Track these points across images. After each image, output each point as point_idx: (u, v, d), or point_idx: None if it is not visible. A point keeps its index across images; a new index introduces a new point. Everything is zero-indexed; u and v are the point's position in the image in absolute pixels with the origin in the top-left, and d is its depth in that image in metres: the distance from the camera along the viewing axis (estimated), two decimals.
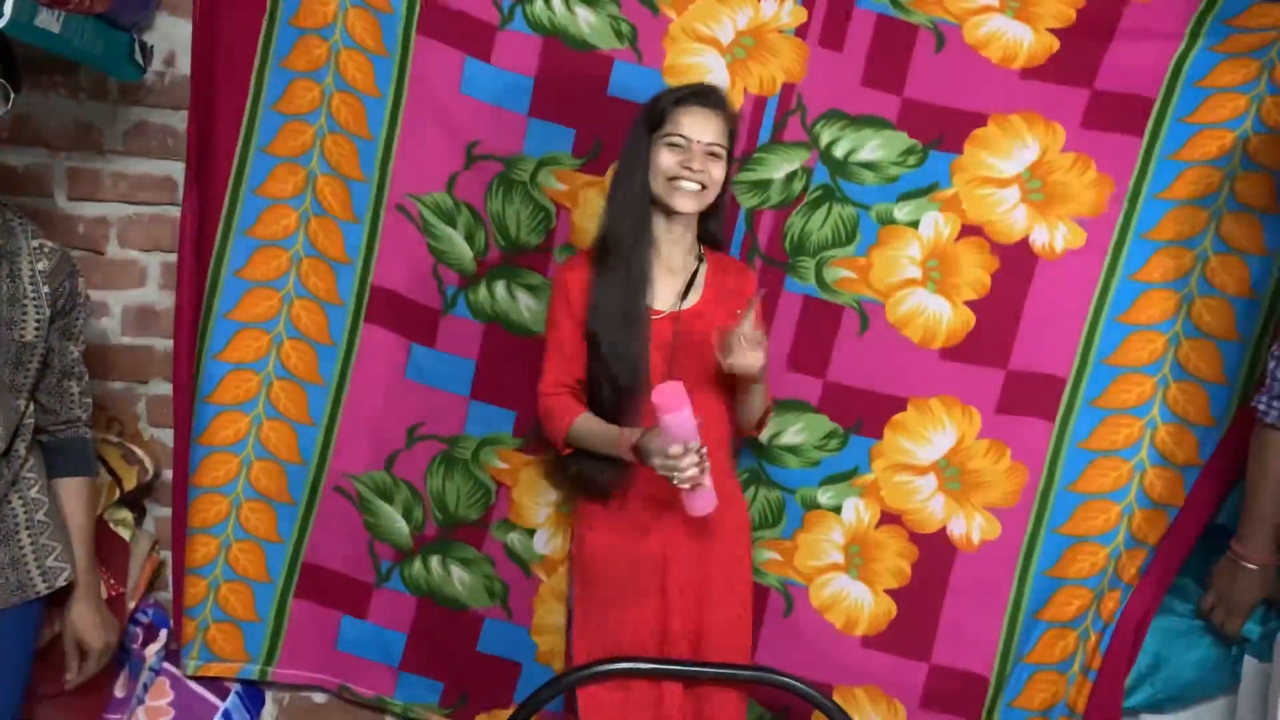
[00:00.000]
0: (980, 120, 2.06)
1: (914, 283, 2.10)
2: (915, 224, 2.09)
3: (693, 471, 1.69)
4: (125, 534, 2.12)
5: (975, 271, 2.08)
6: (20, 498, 1.71)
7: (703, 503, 1.75)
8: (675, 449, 1.68)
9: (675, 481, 1.70)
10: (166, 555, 2.28)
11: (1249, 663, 1.99)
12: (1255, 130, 2.00)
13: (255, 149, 2.11)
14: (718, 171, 1.84)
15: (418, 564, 2.21)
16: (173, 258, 2.20)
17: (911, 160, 2.08)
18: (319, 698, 2.36)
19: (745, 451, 2.14)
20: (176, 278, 2.15)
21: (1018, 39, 2.05)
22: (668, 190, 1.83)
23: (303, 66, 2.09)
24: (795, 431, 2.13)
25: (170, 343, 2.22)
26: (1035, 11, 2.04)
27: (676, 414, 1.65)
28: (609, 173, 2.08)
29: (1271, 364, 1.82)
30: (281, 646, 2.24)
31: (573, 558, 2.01)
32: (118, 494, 2.10)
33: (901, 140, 2.07)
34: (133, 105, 2.20)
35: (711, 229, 1.95)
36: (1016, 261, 2.07)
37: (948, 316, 2.09)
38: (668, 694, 1.85)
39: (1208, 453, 2.05)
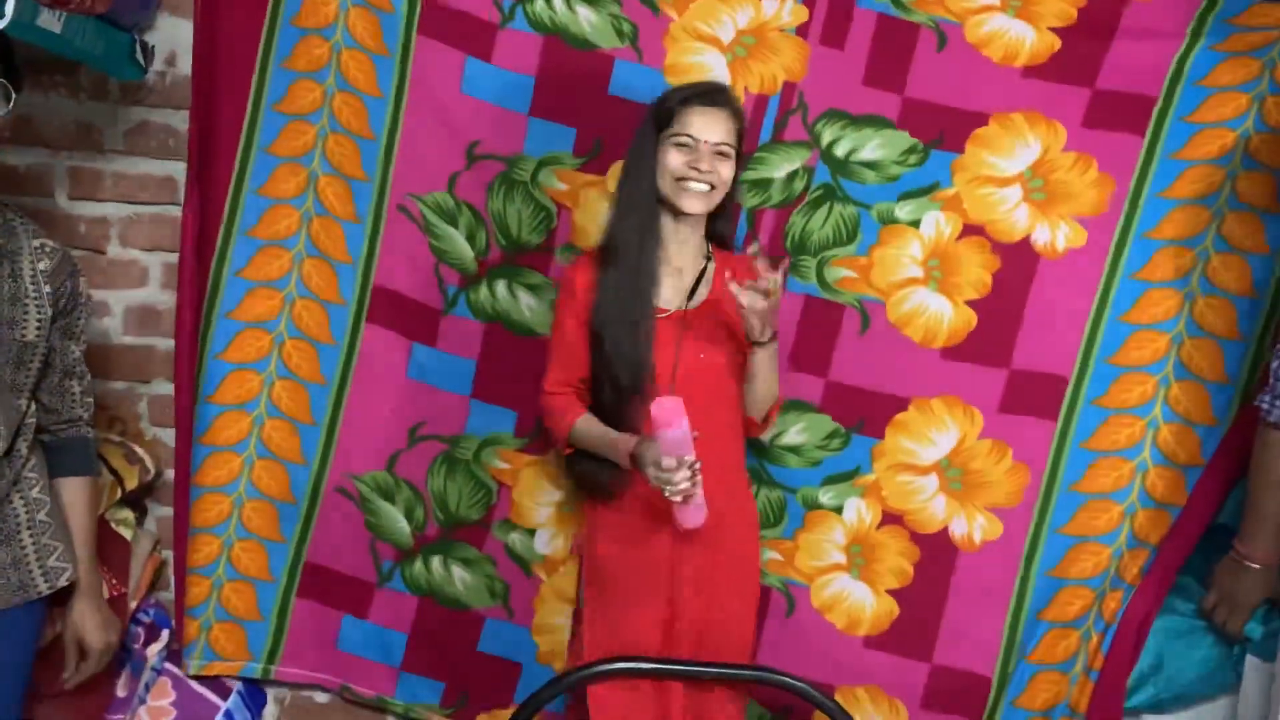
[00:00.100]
0: (981, 119, 2.06)
1: (915, 282, 2.10)
2: (916, 223, 2.09)
3: (685, 485, 1.70)
4: (127, 534, 2.12)
5: (977, 271, 2.08)
6: (22, 497, 1.72)
7: (693, 515, 1.77)
8: (669, 462, 1.69)
9: (667, 493, 1.72)
10: (168, 555, 2.28)
11: (1251, 662, 1.99)
12: (1257, 129, 1.99)
13: (257, 149, 2.12)
14: (726, 171, 1.84)
15: (419, 564, 2.21)
16: (174, 258, 2.20)
17: (913, 159, 2.07)
18: (320, 698, 2.36)
19: (746, 451, 2.14)
20: (178, 278, 2.15)
21: (1019, 38, 2.04)
22: (675, 191, 1.82)
23: (304, 67, 2.09)
24: (797, 431, 2.13)
25: (172, 342, 2.22)
26: (1037, 10, 2.03)
27: (673, 429, 1.66)
28: (610, 172, 2.08)
29: (1274, 363, 1.81)
30: (284, 645, 2.25)
31: (581, 558, 2.01)
32: (119, 494, 2.11)
33: (903, 139, 2.07)
34: (134, 105, 2.20)
35: (720, 228, 1.94)
36: (1018, 261, 2.07)
37: (949, 316, 2.09)
38: (673, 693, 1.86)
39: (1210, 452, 2.05)
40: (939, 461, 2.11)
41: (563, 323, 1.91)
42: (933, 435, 2.11)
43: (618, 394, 1.85)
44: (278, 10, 2.07)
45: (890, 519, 2.13)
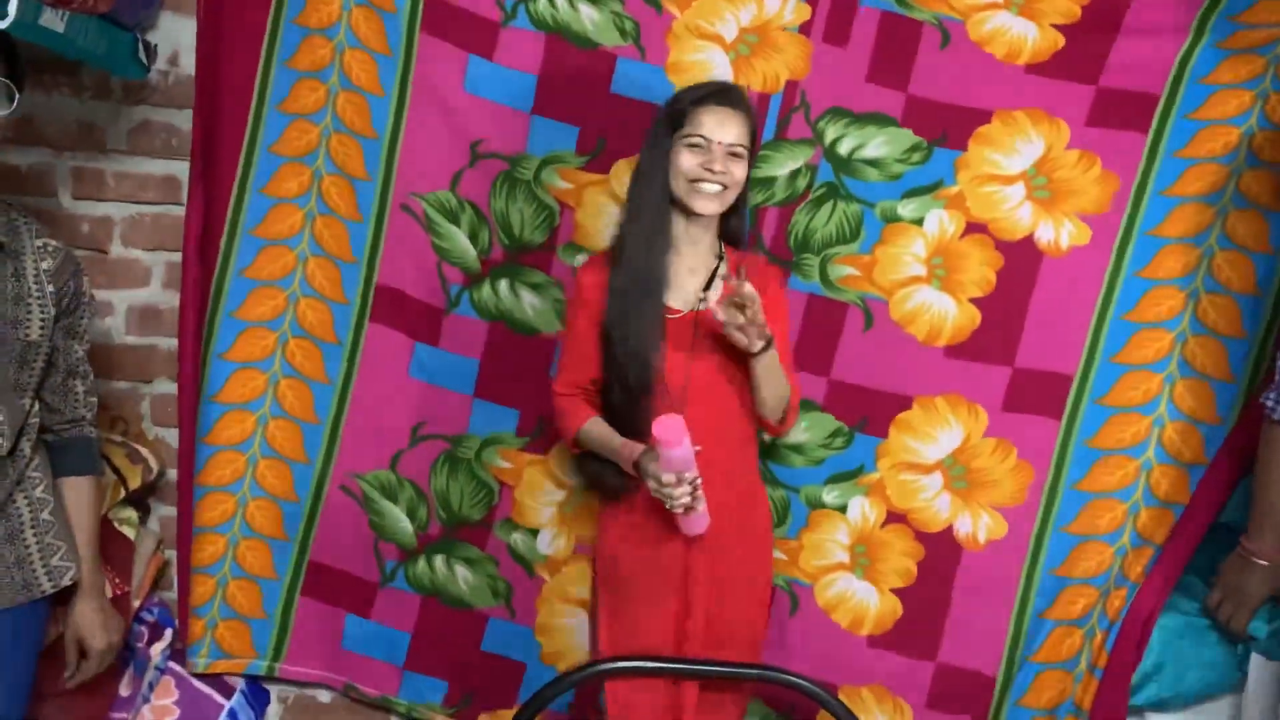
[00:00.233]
0: (985, 117, 2.06)
1: (919, 280, 2.09)
2: (920, 221, 2.08)
3: (685, 500, 1.73)
4: (130, 533, 2.12)
5: (980, 269, 2.08)
6: (26, 497, 1.71)
7: (696, 525, 1.80)
8: (669, 478, 1.71)
9: (668, 506, 1.74)
10: (171, 554, 2.28)
11: (1256, 661, 1.99)
12: (1261, 126, 1.99)
13: (261, 148, 2.12)
14: (739, 171, 1.83)
15: (422, 563, 2.21)
16: (176, 257, 2.20)
17: (916, 157, 2.07)
18: (324, 696, 2.36)
19: None
20: (181, 277, 2.15)
21: (1022, 35, 2.04)
22: (689, 192, 1.82)
23: (307, 66, 2.09)
24: (800, 430, 2.12)
25: (174, 342, 2.22)
26: (1040, 8, 2.03)
27: (674, 448, 1.68)
28: (613, 171, 2.08)
29: None
30: (289, 643, 2.25)
31: (595, 558, 2.01)
32: (122, 493, 2.11)
33: (906, 137, 2.06)
34: (136, 104, 2.20)
35: (733, 227, 1.93)
36: (1022, 259, 2.07)
37: (953, 314, 2.09)
38: (687, 691, 1.86)
39: (1213, 451, 2.04)
40: (943, 460, 2.11)
41: (573, 324, 1.91)
42: (936, 434, 2.10)
43: (627, 396, 1.85)
44: (280, 10, 2.07)
45: (894, 518, 2.13)
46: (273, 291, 2.16)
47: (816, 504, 2.14)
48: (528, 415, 2.15)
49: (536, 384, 2.13)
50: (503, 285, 2.14)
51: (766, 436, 2.08)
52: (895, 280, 2.09)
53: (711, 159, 1.80)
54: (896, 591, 2.13)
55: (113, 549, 2.04)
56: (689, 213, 1.84)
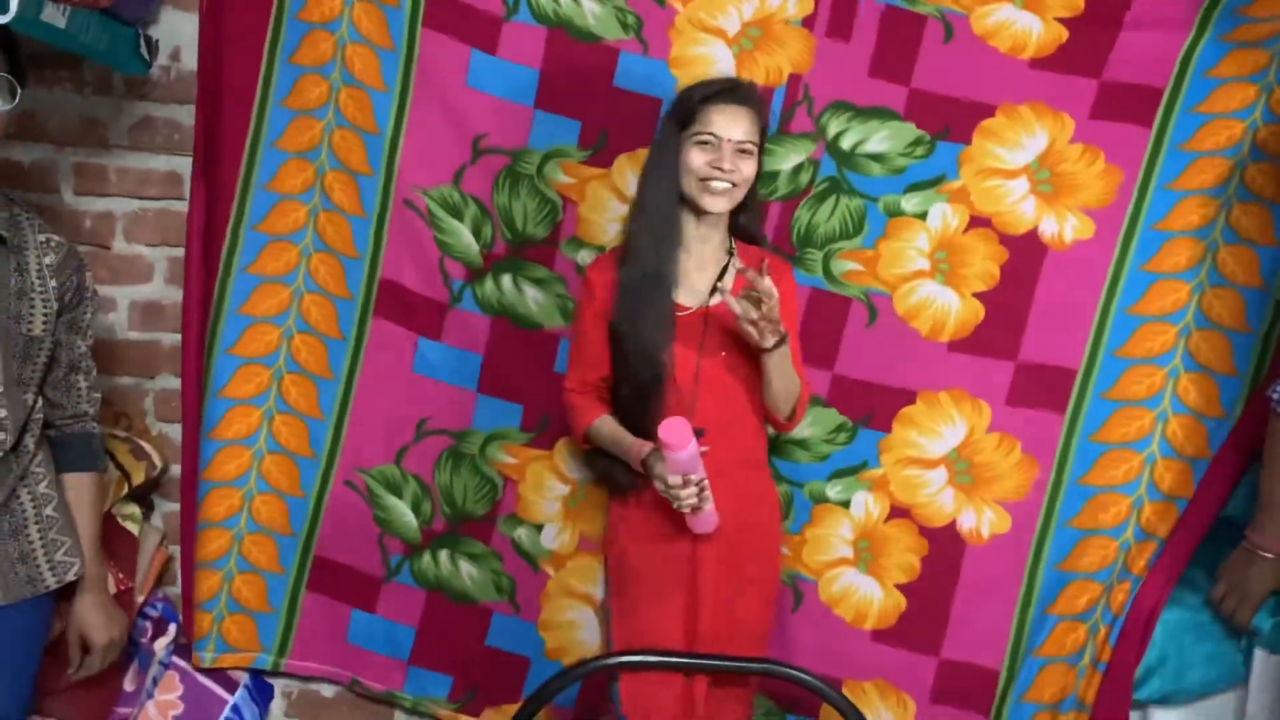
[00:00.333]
0: (988, 111, 2.05)
1: (922, 274, 2.09)
2: (923, 215, 2.08)
3: (692, 501, 1.74)
4: (134, 529, 2.12)
5: (984, 263, 2.07)
6: (29, 492, 1.71)
7: (703, 524, 1.80)
8: (674, 480, 1.72)
9: (675, 506, 1.75)
10: (175, 550, 2.28)
11: (1260, 655, 1.98)
12: (1265, 120, 1.98)
13: (264, 144, 2.12)
14: (749, 169, 1.82)
15: (426, 558, 2.21)
16: (179, 252, 2.20)
17: (919, 151, 2.07)
18: (327, 691, 2.36)
19: None
20: (184, 272, 2.15)
21: (1026, 29, 2.03)
22: (699, 191, 1.81)
23: (310, 61, 2.09)
24: (803, 425, 2.12)
25: (177, 337, 2.22)
26: (1044, 2, 2.02)
27: (679, 451, 1.69)
28: (615, 165, 2.08)
29: None
30: (294, 638, 2.26)
31: (606, 554, 2.01)
32: (126, 489, 2.11)
33: (909, 131, 2.06)
34: (138, 100, 2.20)
35: (744, 223, 1.93)
36: (1025, 253, 2.06)
37: (956, 308, 2.08)
38: (698, 686, 1.87)
39: (1217, 445, 2.04)
40: (947, 455, 2.11)
41: (583, 321, 1.91)
42: (940, 428, 2.10)
43: (637, 393, 1.85)
44: (283, 5, 2.07)
45: (898, 513, 2.12)
46: (277, 287, 2.16)
47: (820, 499, 2.14)
48: (532, 410, 2.15)
49: (540, 379, 2.14)
50: (505, 280, 2.13)
51: (772, 431, 2.07)
52: (898, 275, 2.09)
53: (721, 157, 1.79)
54: (900, 587, 2.13)
55: (116, 544, 2.04)
56: (698, 210, 1.84)
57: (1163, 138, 2.03)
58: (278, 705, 2.36)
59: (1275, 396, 1.82)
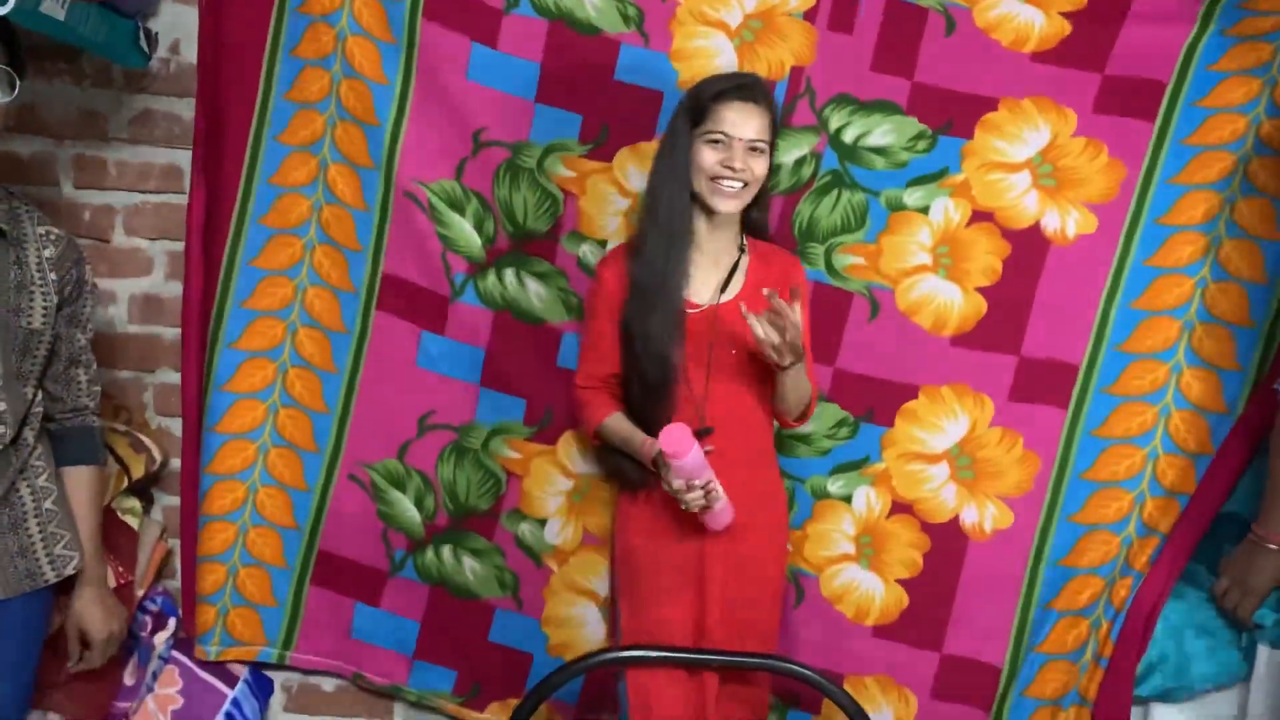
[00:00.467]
0: (991, 105, 2.04)
1: (924, 269, 2.08)
2: (925, 210, 2.07)
3: (700, 503, 1.74)
4: (133, 522, 2.11)
5: (986, 257, 2.07)
6: (29, 486, 1.71)
7: (717, 520, 1.81)
8: (678, 484, 1.73)
9: (684, 508, 1.76)
10: (175, 544, 2.28)
11: (1263, 651, 1.98)
12: (1268, 114, 1.98)
13: (268, 138, 2.11)
14: (760, 168, 1.81)
15: (430, 553, 2.20)
16: (179, 246, 2.20)
17: (921, 145, 2.06)
18: (327, 685, 2.36)
19: None
20: (185, 266, 2.15)
21: (1029, 22, 2.02)
22: (709, 190, 1.81)
23: (312, 54, 2.08)
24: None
25: (178, 331, 2.22)
26: None
27: (681, 458, 1.70)
28: (616, 159, 2.07)
29: None
30: (299, 632, 2.26)
31: (613, 549, 2.01)
32: (125, 483, 2.11)
33: (911, 125, 2.05)
34: (138, 93, 2.19)
35: (755, 219, 1.92)
36: (1028, 247, 2.05)
37: (959, 303, 2.08)
38: (707, 683, 1.87)
39: (1220, 440, 2.03)
40: (949, 450, 2.10)
41: (594, 317, 1.91)
42: (943, 423, 2.10)
43: (647, 392, 1.85)
44: None
45: (900, 508, 2.12)
46: (281, 281, 2.16)
47: (821, 494, 2.14)
48: (535, 405, 2.15)
49: (543, 373, 2.13)
50: (508, 274, 2.13)
51: (777, 426, 2.07)
52: (901, 269, 2.08)
53: (732, 156, 1.78)
54: (902, 582, 2.13)
55: (116, 538, 2.04)
56: (709, 209, 1.83)
57: (1166, 132, 2.02)
58: (277, 699, 2.36)
59: None
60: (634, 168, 2.07)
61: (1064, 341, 2.06)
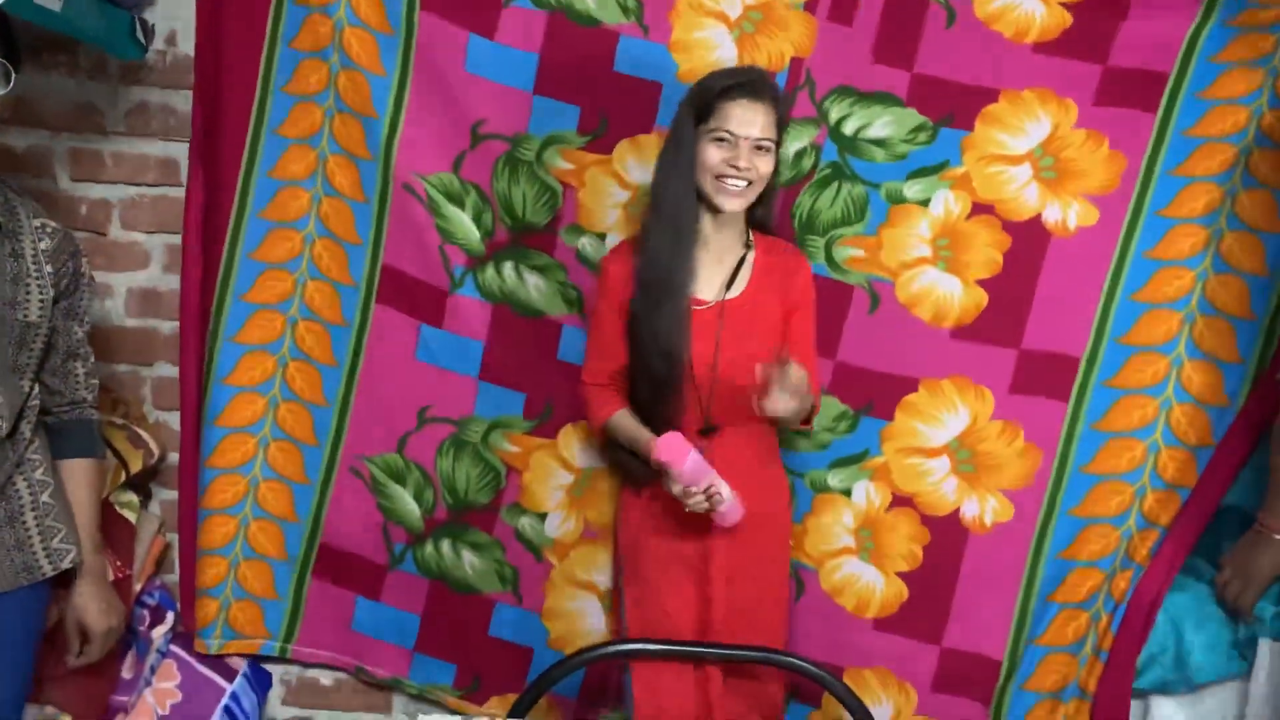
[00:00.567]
0: (992, 96, 2.03)
1: (925, 261, 2.07)
2: (926, 202, 2.06)
3: (703, 507, 1.74)
4: (131, 516, 2.11)
5: (987, 250, 2.06)
6: (25, 479, 1.71)
7: (726, 518, 1.80)
8: (677, 489, 1.73)
9: (687, 510, 1.75)
10: (173, 538, 2.28)
11: (1264, 644, 1.98)
12: (1270, 106, 1.97)
13: (267, 130, 2.11)
14: (765, 166, 1.80)
15: (429, 547, 2.20)
16: (176, 239, 2.19)
17: (922, 137, 2.05)
18: (326, 679, 2.36)
19: None
20: (182, 259, 2.14)
21: (1030, 13, 2.02)
22: (714, 188, 1.80)
23: (310, 46, 2.07)
24: None
25: (175, 324, 2.21)
26: None
27: (678, 466, 1.70)
28: (615, 152, 2.06)
29: None
30: (300, 625, 2.27)
31: (616, 542, 2.01)
32: (123, 477, 2.10)
33: (912, 117, 2.04)
34: (134, 85, 2.19)
35: (759, 215, 1.91)
36: (1029, 239, 2.05)
37: (959, 295, 2.07)
38: (711, 677, 1.87)
39: (1221, 433, 2.03)
40: (949, 443, 2.10)
41: (600, 313, 1.90)
42: (943, 416, 2.09)
43: (654, 389, 1.85)
44: None
45: (900, 502, 2.12)
46: (281, 274, 2.16)
47: (821, 488, 2.13)
48: (535, 398, 2.14)
49: (543, 367, 2.13)
50: (507, 267, 2.12)
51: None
52: (901, 262, 2.08)
53: (737, 155, 1.77)
54: (902, 575, 2.12)
55: (114, 532, 2.03)
56: (715, 207, 1.82)
57: (1167, 123, 2.01)
58: (276, 693, 2.36)
59: None
60: (633, 160, 2.06)
61: (1065, 334, 2.06)
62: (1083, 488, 2.07)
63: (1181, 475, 2.05)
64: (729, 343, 1.84)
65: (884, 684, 2.15)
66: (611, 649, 1.85)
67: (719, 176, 1.78)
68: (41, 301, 1.68)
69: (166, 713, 2.14)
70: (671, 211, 1.81)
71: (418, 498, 2.19)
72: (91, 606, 1.79)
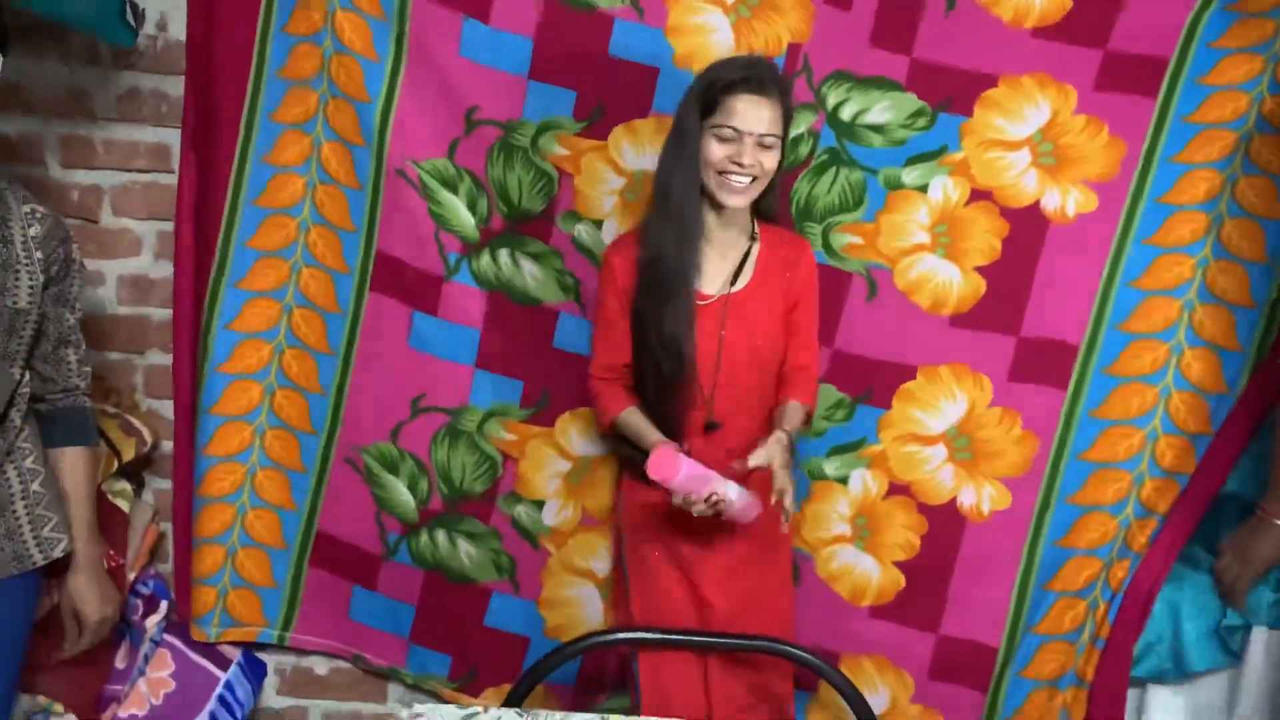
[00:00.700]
0: (991, 82, 2.01)
1: (923, 248, 2.06)
2: (924, 188, 2.05)
3: (707, 514, 1.73)
4: (124, 505, 2.10)
5: (985, 237, 2.05)
6: (15, 468, 1.70)
7: (742, 516, 1.79)
8: (677, 500, 1.72)
9: (696, 514, 1.74)
10: (167, 526, 2.27)
11: (1259, 632, 1.98)
12: (1271, 92, 1.95)
13: (261, 116, 2.09)
14: (770, 161, 1.78)
15: (424, 537, 2.19)
16: (168, 226, 2.18)
17: (920, 123, 2.03)
18: (320, 669, 2.36)
19: None
20: (175, 245, 2.13)
21: None
22: (717, 184, 1.78)
23: (304, 30, 2.05)
24: None
25: (167, 312, 2.20)
26: None
27: (672, 480, 1.69)
28: (611, 137, 2.04)
29: None
30: (298, 613, 2.27)
31: (619, 530, 2.01)
32: (116, 465, 2.09)
33: (910, 102, 2.02)
34: (125, 70, 2.16)
35: (765, 205, 1.90)
36: (1027, 226, 2.03)
37: (958, 282, 2.06)
38: (712, 667, 1.87)
39: (1219, 421, 2.02)
40: (947, 431, 2.09)
41: (605, 306, 1.89)
42: (941, 404, 2.08)
43: (661, 385, 1.84)
44: None
45: (897, 489, 2.11)
46: (276, 261, 2.15)
47: (818, 475, 2.13)
48: (532, 386, 2.13)
49: (539, 355, 2.12)
50: (503, 255, 2.11)
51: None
52: (899, 248, 2.06)
53: (741, 152, 1.75)
54: (899, 564, 2.12)
55: (107, 521, 2.02)
56: (719, 204, 1.81)
57: (1167, 110, 2.00)
58: (271, 683, 2.36)
59: None
60: (629, 146, 2.05)
61: (1063, 321, 2.05)
62: (1081, 475, 2.07)
63: (1180, 463, 2.04)
64: (732, 337, 1.83)
65: (881, 671, 2.14)
66: (606, 638, 1.85)
67: (722, 172, 1.77)
68: (31, 288, 1.67)
69: (160, 702, 2.14)
70: (676, 207, 1.79)
71: (412, 488, 2.18)
72: (86, 595, 1.78)
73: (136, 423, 2.19)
